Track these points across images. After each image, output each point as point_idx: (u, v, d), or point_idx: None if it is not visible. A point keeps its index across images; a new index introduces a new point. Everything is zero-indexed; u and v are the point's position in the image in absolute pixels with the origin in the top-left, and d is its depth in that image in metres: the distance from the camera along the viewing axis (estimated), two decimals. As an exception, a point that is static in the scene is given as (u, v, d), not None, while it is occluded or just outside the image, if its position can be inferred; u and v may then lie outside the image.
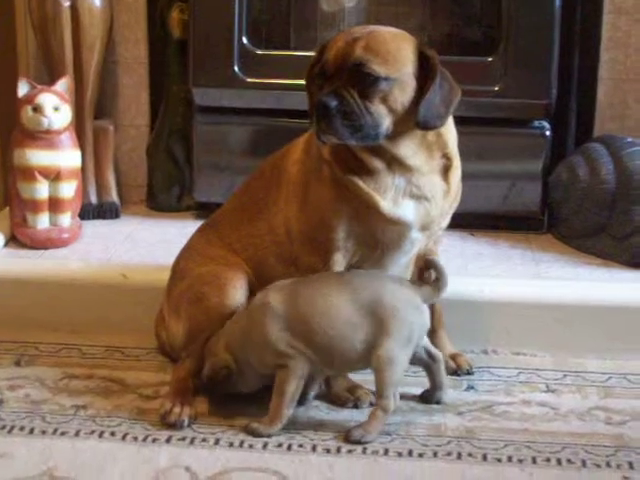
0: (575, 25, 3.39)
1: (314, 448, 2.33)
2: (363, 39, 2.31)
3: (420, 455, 2.31)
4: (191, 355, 2.52)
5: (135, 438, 2.37)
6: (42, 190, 3.17)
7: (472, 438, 2.37)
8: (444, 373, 2.51)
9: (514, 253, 3.19)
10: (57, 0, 3.33)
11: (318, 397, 2.53)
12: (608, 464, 2.27)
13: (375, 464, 2.27)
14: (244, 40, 3.31)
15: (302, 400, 2.48)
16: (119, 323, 2.89)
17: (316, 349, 2.35)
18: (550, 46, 3.22)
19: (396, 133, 2.36)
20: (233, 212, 2.67)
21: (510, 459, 2.29)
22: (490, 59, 3.24)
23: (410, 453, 2.31)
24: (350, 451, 2.31)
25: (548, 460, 2.28)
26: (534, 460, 2.28)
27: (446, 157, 2.46)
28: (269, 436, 2.36)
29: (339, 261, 2.45)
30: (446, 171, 2.47)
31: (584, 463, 2.27)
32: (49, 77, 3.37)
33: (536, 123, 3.28)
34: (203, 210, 3.41)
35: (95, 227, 3.39)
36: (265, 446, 2.33)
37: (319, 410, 2.50)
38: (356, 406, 2.50)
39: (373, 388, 2.40)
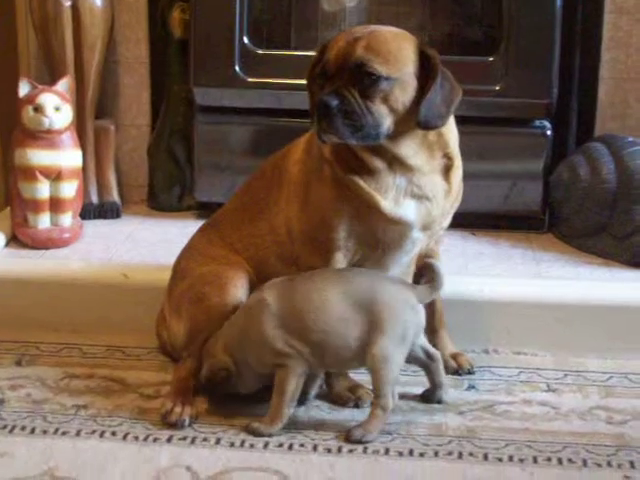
0: (576, 25, 3.39)
1: (315, 448, 2.33)
2: (364, 39, 2.31)
3: (421, 455, 2.31)
4: (192, 355, 2.52)
5: (136, 438, 2.37)
6: (43, 190, 3.17)
7: (473, 437, 2.37)
8: (443, 372, 2.51)
9: (515, 253, 3.19)
10: (58, 0, 3.33)
11: (319, 397, 2.53)
12: (609, 463, 2.27)
13: (376, 463, 2.27)
14: (245, 40, 3.31)
15: (303, 399, 2.48)
16: (120, 323, 2.89)
17: (312, 346, 2.35)
18: (551, 46, 3.22)
19: (397, 133, 2.36)
20: (234, 212, 2.67)
21: (511, 458, 2.29)
22: (491, 59, 3.24)
23: (411, 452, 2.31)
24: (351, 451, 2.31)
25: (549, 459, 2.28)
26: (535, 460, 2.28)
27: (447, 157, 2.46)
28: (270, 436, 2.36)
29: (340, 261, 2.45)
30: (447, 171, 2.47)
31: (585, 462, 2.27)
32: (50, 77, 3.38)
33: (537, 123, 3.28)
34: (204, 210, 3.41)
35: (96, 227, 3.39)
36: (266, 446, 2.33)
37: (320, 410, 2.50)
38: (357, 406, 2.50)
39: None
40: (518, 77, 3.22)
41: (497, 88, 3.23)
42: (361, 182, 2.40)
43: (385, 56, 2.30)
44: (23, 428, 2.41)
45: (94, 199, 3.49)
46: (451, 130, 2.47)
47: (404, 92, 2.33)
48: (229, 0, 3.29)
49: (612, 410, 2.51)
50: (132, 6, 3.51)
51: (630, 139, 3.18)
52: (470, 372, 2.68)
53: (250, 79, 3.32)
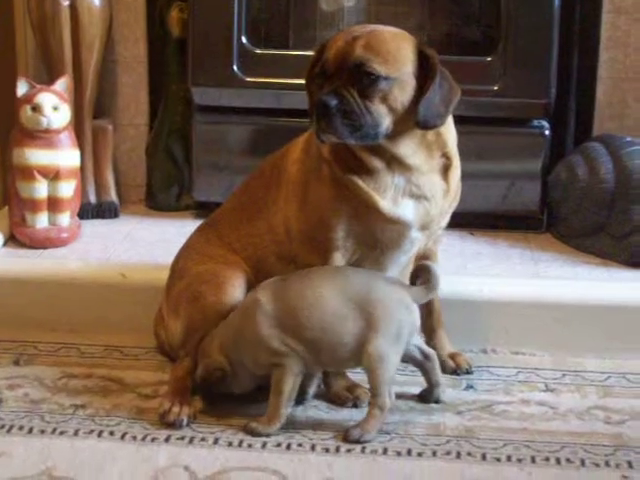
0: (574, 24, 3.39)
1: (313, 447, 2.33)
2: (363, 38, 2.31)
3: (419, 454, 2.31)
4: (189, 354, 2.52)
5: (134, 437, 2.37)
6: (41, 189, 3.17)
7: (471, 437, 2.37)
8: (439, 372, 2.51)
9: (513, 252, 3.19)
10: (56, -1, 3.34)
11: (317, 396, 2.53)
12: (607, 463, 2.27)
13: (374, 463, 2.27)
14: (243, 39, 3.31)
15: (301, 399, 2.48)
16: (118, 322, 2.89)
17: (306, 344, 2.35)
18: (549, 46, 3.22)
19: (396, 132, 2.36)
20: (232, 211, 2.67)
21: (509, 458, 2.29)
22: (489, 59, 3.24)
23: (409, 452, 2.31)
24: (349, 450, 2.31)
25: (547, 459, 2.28)
26: (533, 459, 2.28)
27: (446, 156, 2.46)
28: (268, 435, 2.36)
29: (338, 260, 2.46)
30: (446, 170, 2.47)
31: (583, 462, 2.27)
32: (48, 76, 3.37)
33: (535, 122, 3.29)
34: (202, 209, 3.41)
35: (94, 226, 3.39)
36: (264, 445, 2.33)
37: (318, 409, 2.50)
38: (355, 405, 2.50)
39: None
40: (516, 77, 3.22)
41: (495, 88, 3.23)
42: (359, 182, 2.40)
43: (384, 56, 2.30)
44: (21, 428, 2.41)
45: (92, 199, 3.49)
46: (449, 130, 2.47)
47: (403, 92, 2.33)
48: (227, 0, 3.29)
49: (610, 410, 2.51)
50: (130, 5, 3.51)
51: (628, 139, 3.18)
52: (468, 372, 2.68)
53: (248, 79, 3.32)
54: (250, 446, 2.33)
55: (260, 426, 2.37)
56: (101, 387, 2.61)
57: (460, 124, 2.51)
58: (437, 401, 2.52)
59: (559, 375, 2.69)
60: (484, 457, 2.29)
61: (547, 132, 3.27)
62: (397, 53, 2.33)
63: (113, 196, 3.52)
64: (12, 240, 3.21)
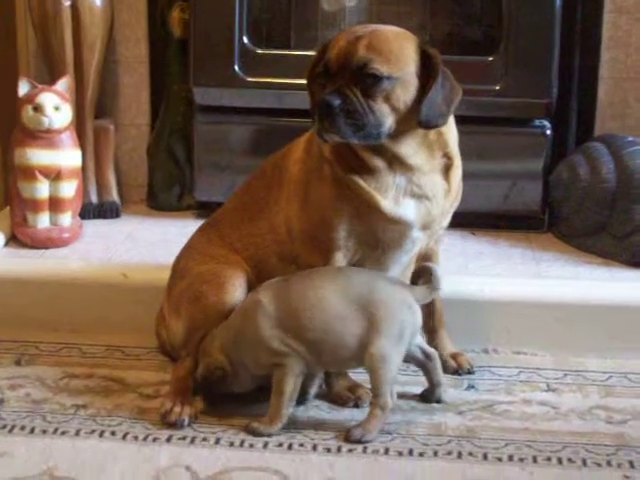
0: (576, 24, 3.39)
1: (315, 447, 2.33)
2: (365, 38, 2.32)
3: (421, 454, 2.30)
4: (190, 354, 2.52)
5: (135, 437, 2.37)
6: (42, 189, 3.17)
7: (473, 437, 2.37)
8: (441, 371, 2.51)
9: (515, 252, 3.18)
10: (57, -1, 3.34)
11: (319, 396, 2.53)
12: (609, 463, 2.27)
13: (375, 463, 2.27)
14: (245, 39, 3.31)
15: (302, 399, 2.48)
16: (119, 322, 2.89)
17: (308, 345, 2.35)
18: (551, 45, 3.22)
19: (398, 132, 2.36)
20: (234, 211, 2.67)
21: (511, 458, 2.29)
22: (491, 58, 3.24)
23: (411, 452, 2.31)
24: (351, 450, 2.31)
25: (549, 459, 2.28)
26: (535, 459, 2.28)
27: (447, 156, 2.46)
28: (269, 435, 2.36)
29: (340, 260, 2.46)
30: (447, 170, 2.47)
31: (585, 462, 2.27)
32: (49, 76, 3.38)
33: (537, 122, 3.28)
34: (204, 209, 3.41)
35: (96, 226, 3.39)
36: (265, 445, 2.33)
37: (320, 409, 2.50)
38: (357, 405, 2.50)
39: (372, 387, 2.41)
40: (518, 77, 3.22)
41: (497, 88, 3.22)
42: (361, 181, 2.40)
43: (387, 55, 2.30)
44: (22, 428, 2.41)
45: (93, 199, 3.49)
46: (451, 130, 2.47)
47: (406, 91, 2.33)
48: (229, 0, 3.29)
49: (612, 410, 2.51)
50: (132, 5, 3.51)
51: (630, 139, 3.18)
52: (470, 372, 2.68)
53: (250, 79, 3.32)
54: (252, 446, 2.33)
55: (262, 426, 2.37)
56: (102, 387, 2.61)
57: (461, 124, 2.51)
58: (439, 401, 2.52)
59: (561, 375, 2.69)
60: (485, 457, 2.29)
61: (548, 132, 3.27)
62: (399, 53, 2.33)
63: (115, 196, 3.52)
64: (14, 240, 3.21)
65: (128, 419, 2.45)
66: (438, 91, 2.33)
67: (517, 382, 2.65)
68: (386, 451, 2.31)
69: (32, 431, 2.40)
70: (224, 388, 2.45)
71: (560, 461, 2.28)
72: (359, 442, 2.33)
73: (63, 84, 3.19)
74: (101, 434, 2.38)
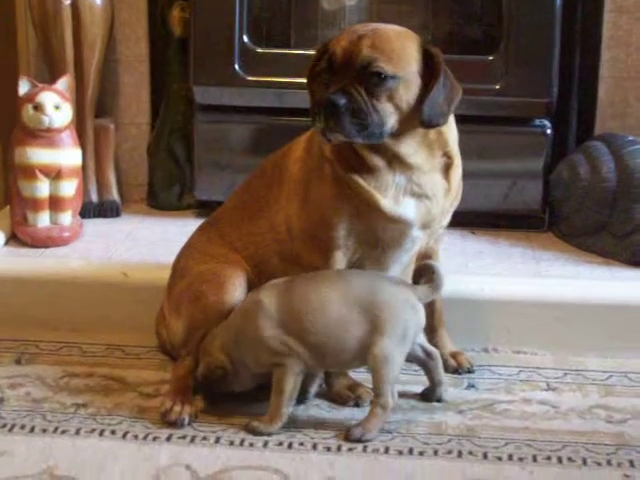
0: (576, 24, 3.39)
1: (315, 446, 2.33)
2: (369, 37, 2.31)
3: (421, 453, 2.30)
4: (191, 353, 2.52)
5: (135, 436, 2.37)
6: (43, 188, 3.17)
7: (473, 436, 2.37)
8: (442, 370, 2.51)
9: (515, 251, 3.18)
10: (58, -2, 3.34)
11: (319, 395, 2.53)
12: (609, 462, 2.27)
13: (376, 462, 2.27)
14: (245, 38, 3.31)
15: (303, 398, 2.48)
16: (120, 321, 2.89)
17: (310, 348, 2.35)
18: (551, 45, 3.22)
19: (399, 131, 2.36)
20: (234, 210, 2.67)
21: (511, 457, 2.29)
22: (491, 58, 3.24)
23: (411, 451, 2.31)
24: (351, 449, 2.31)
25: (549, 458, 2.28)
26: (535, 458, 2.28)
27: (447, 155, 2.47)
28: (269, 434, 2.36)
29: (339, 259, 2.46)
30: (447, 169, 2.47)
31: (585, 461, 2.27)
32: (50, 75, 3.38)
33: (537, 121, 3.28)
34: (204, 208, 3.41)
35: (96, 225, 3.39)
36: (266, 444, 2.33)
37: (320, 408, 2.50)
38: (357, 404, 2.50)
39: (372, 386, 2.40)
40: (518, 76, 3.21)
41: (497, 87, 3.22)
42: (361, 181, 2.40)
43: (390, 55, 2.31)
44: (22, 427, 2.41)
45: (94, 198, 3.49)
46: (451, 129, 2.47)
47: (408, 91, 2.33)
48: (229, -2, 3.30)
49: (612, 409, 2.51)
50: (132, 4, 3.51)
51: (630, 138, 3.18)
52: (470, 371, 2.68)
53: (250, 78, 3.31)
54: (252, 445, 2.33)
55: (262, 425, 2.37)
56: (102, 386, 2.61)
57: (462, 123, 2.51)
58: (439, 400, 2.52)
59: (561, 374, 2.69)
60: (485, 456, 2.29)
61: (549, 131, 3.27)
62: (403, 52, 2.33)
63: (115, 195, 3.52)
64: (14, 239, 3.21)
65: (128, 418, 2.45)
66: (440, 90, 2.34)
67: (517, 381, 2.65)
68: (386, 450, 2.31)
69: (32, 430, 2.40)
70: (225, 387, 2.45)
71: (560, 460, 2.28)
72: (359, 441, 2.33)
73: (63, 83, 3.19)
74: (101, 433, 2.38)
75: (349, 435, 2.34)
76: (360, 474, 2.23)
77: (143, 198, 3.63)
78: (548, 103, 3.25)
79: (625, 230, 3.06)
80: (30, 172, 3.15)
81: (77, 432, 2.39)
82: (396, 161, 2.40)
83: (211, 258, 2.61)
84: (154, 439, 2.36)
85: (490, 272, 3.01)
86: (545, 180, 3.29)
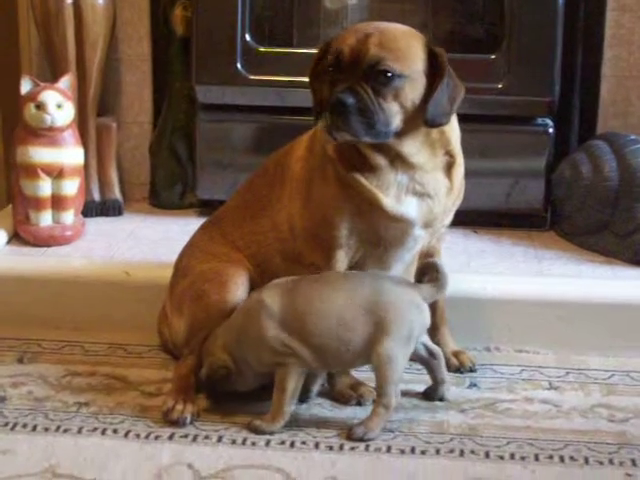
0: (578, 22, 3.39)
1: (317, 445, 2.33)
2: (375, 36, 2.31)
3: (423, 452, 2.30)
4: (193, 352, 2.52)
5: (138, 435, 2.37)
6: (45, 187, 3.17)
7: (475, 435, 2.37)
8: (444, 369, 2.51)
9: (517, 250, 3.18)
10: (60, -3, 3.34)
11: (321, 394, 2.53)
12: (611, 461, 2.27)
13: (378, 461, 2.27)
14: (247, 37, 3.31)
15: (305, 397, 2.48)
16: (122, 320, 2.89)
17: (312, 349, 2.35)
18: (553, 43, 3.22)
19: (403, 130, 2.36)
20: (236, 209, 2.67)
21: (513, 456, 2.29)
22: (493, 57, 3.24)
23: (413, 450, 2.31)
24: (353, 448, 2.31)
25: (551, 457, 2.28)
26: (537, 457, 2.28)
27: (449, 154, 2.47)
28: (272, 433, 2.36)
29: (341, 258, 2.46)
30: (449, 168, 2.47)
31: (587, 460, 2.27)
32: (52, 74, 3.38)
33: (539, 120, 3.28)
34: (206, 207, 3.41)
35: (98, 224, 3.39)
36: (268, 443, 2.33)
37: (322, 407, 2.50)
38: (359, 403, 2.49)
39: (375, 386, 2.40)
40: (520, 75, 3.21)
41: (499, 86, 3.22)
42: (363, 179, 2.40)
43: (397, 53, 2.31)
44: (25, 425, 2.41)
45: (96, 197, 3.49)
46: (453, 128, 2.47)
47: (414, 90, 2.33)
48: (231, -3, 3.30)
49: (614, 408, 2.51)
50: (134, 3, 3.51)
51: (632, 137, 3.18)
52: (472, 370, 2.68)
53: (252, 77, 3.32)
54: (254, 444, 2.33)
55: (264, 424, 2.37)
56: (105, 385, 2.61)
57: (464, 122, 2.51)
58: (441, 399, 2.52)
59: (563, 373, 2.69)
60: (487, 455, 2.29)
61: (551, 130, 3.27)
62: (409, 51, 2.33)
63: (117, 194, 3.52)
64: (16, 238, 3.21)
65: (130, 417, 2.45)
66: (444, 90, 2.34)
67: (519, 380, 2.65)
68: (388, 449, 2.31)
69: (34, 429, 2.40)
70: (228, 387, 2.45)
71: (562, 459, 2.28)
72: (361, 440, 2.33)
73: (65, 82, 3.19)
74: (103, 432, 2.38)
75: (351, 434, 2.34)
76: (362, 473, 2.23)
77: (145, 197, 3.63)
78: (550, 102, 3.25)
79: (627, 229, 3.06)
80: (32, 171, 3.15)
81: (79, 431, 2.39)
82: (398, 160, 2.40)
83: (213, 257, 2.61)
84: (156, 438, 2.36)
85: (492, 271, 3.01)
86: (547, 179, 3.29)
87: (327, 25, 3.46)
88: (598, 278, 2.97)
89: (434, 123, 2.36)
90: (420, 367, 2.54)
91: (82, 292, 2.93)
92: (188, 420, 2.41)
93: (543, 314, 2.80)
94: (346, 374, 2.54)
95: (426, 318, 2.41)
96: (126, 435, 2.37)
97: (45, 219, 3.19)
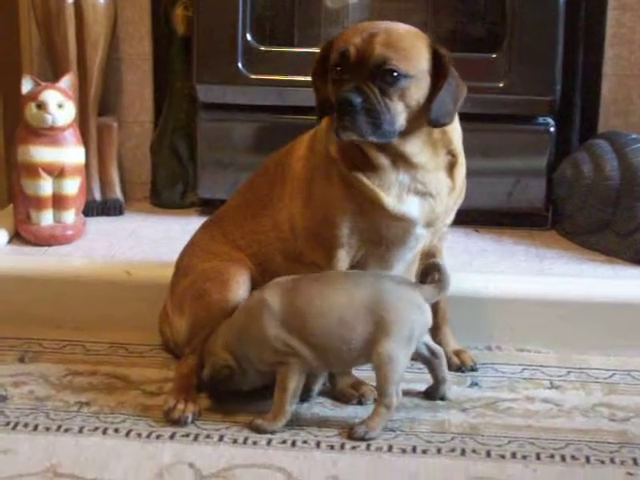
0: (579, 21, 3.39)
1: (318, 444, 2.33)
2: (381, 36, 2.31)
3: (424, 451, 2.30)
4: (194, 351, 2.52)
5: (139, 434, 2.37)
6: (46, 187, 3.17)
7: (476, 434, 2.37)
8: (446, 368, 2.51)
9: (518, 249, 3.18)
10: (61, -3, 3.34)
11: (322, 393, 2.53)
12: (612, 460, 2.27)
13: (379, 460, 2.27)
14: (248, 37, 3.31)
15: (306, 397, 2.48)
16: (123, 320, 2.89)
17: (312, 348, 2.35)
18: (554, 42, 3.22)
19: (406, 130, 2.36)
20: (237, 208, 2.67)
21: (514, 455, 2.29)
22: (494, 56, 3.24)
23: (414, 449, 2.31)
24: (354, 447, 2.31)
25: (552, 456, 2.28)
26: (538, 456, 2.28)
27: (451, 154, 2.47)
28: (273, 432, 2.36)
29: (343, 257, 2.46)
30: (451, 168, 2.47)
31: (588, 459, 2.27)
32: (53, 74, 3.38)
33: (540, 119, 3.28)
34: (207, 207, 3.41)
35: (99, 224, 3.39)
36: (269, 442, 2.33)
37: (323, 407, 2.49)
38: (360, 403, 2.49)
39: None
40: (521, 74, 3.21)
41: (500, 85, 3.22)
42: (364, 179, 2.40)
43: (402, 53, 2.31)
44: (26, 425, 2.41)
45: (97, 196, 3.49)
46: (455, 127, 2.47)
47: (419, 90, 2.33)
48: (232, -3, 3.30)
49: (615, 407, 2.51)
50: (135, 3, 3.51)
51: (633, 136, 3.18)
52: (473, 369, 2.68)
53: (253, 76, 3.32)
54: (255, 443, 2.33)
55: (265, 423, 2.37)
56: (106, 384, 2.61)
57: (465, 121, 2.51)
58: (443, 398, 2.52)
59: (564, 372, 2.69)
60: (489, 454, 2.29)
61: (552, 129, 3.27)
62: (414, 51, 2.33)
63: (118, 193, 3.52)
64: (17, 237, 3.22)
65: (131, 416, 2.45)
66: (448, 90, 2.34)
67: (520, 379, 2.65)
68: (389, 448, 2.31)
69: (35, 428, 2.40)
70: (231, 386, 2.45)
71: (563, 458, 2.27)
72: (362, 439, 2.33)
73: (66, 81, 3.19)
74: (104, 431, 2.38)
75: (352, 433, 2.34)
76: (363, 472, 2.23)
77: (146, 196, 3.63)
78: (551, 101, 3.25)
79: (628, 228, 3.06)
80: (33, 170, 3.15)
81: (80, 430, 2.39)
82: (400, 160, 2.40)
83: (214, 256, 2.61)
84: (157, 437, 2.36)
85: (494, 270, 3.01)
86: (548, 178, 3.29)
87: (328, 24, 3.46)
88: (599, 277, 2.96)
89: (438, 123, 2.36)
90: (421, 366, 2.54)
91: (83, 291, 2.93)
92: (189, 419, 2.41)
93: (544, 313, 2.80)
94: (347, 373, 2.53)
95: (427, 318, 2.41)
96: (127, 434, 2.37)
97: (46, 218, 3.19)
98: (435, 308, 2.61)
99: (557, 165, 3.29)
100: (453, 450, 2.31)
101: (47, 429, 2.39)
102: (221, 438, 2.35)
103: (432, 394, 2.53)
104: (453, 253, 2.97)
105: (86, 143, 3.33)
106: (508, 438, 2.36)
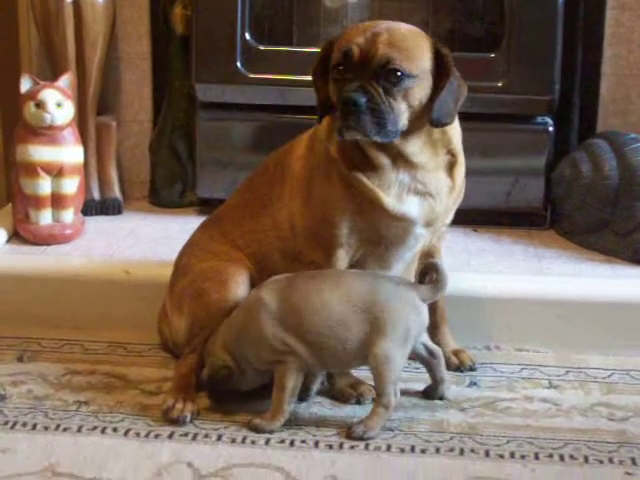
0: (578, 21, 3.39)
1: (317, 444, 2.33)
2: (384, 35, 2.31)
3: (422, 451, 2.30)
4: (193, 351, 2.52)
5: (137, 434, 2.37)
6: (45, 186, 3.17)
7: (475, 434, 2.37)
8: (444, 368, 2.51)
9: (517, 249, 3.18)
10: (60, -4, 3.34)
11: (321, 393, 2.53)
12: (611, 460, 2.27)
13: (377, 460, 2.27)
14: (247, 36, 3.31)
15: (305, 396, 2.48)
16: (122, 319, 2.89)
17: (308, 346, 2.35)
18: (553, 42, 3.22)
19: (408, 130, 2.36)
20: (236, 208, 2.67)
21: (513, 455, 2.29)
22: (493, 55, 3.24)
23: (413, 449, 2.31)
24: (352, 447, 2.31)
25: (551, 456, 2.28)
26: (537, 456, 2.28)
27: (451, 153, 2.47)
28: (271, 432, 2.36)
29: (342, 257, 2.46)
30: (451, 167, 2.47)
31: (586, 459, 2.27)
32: (52, 73, 3.38)
33: (539, 119, 3.28)
34: (206, 206, 3.41)
35: (98, 223, 3.39)
36: (267, 442, 2.33)
37: (322, 406, 2.50)
38: (359, 402, 2.49)
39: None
40: (520, 73, 3.22)
41: (499, 84, 3.23)
42: (364, 179, 2.40)
43: (406, 53, 2.31)
44: (24, 424, 2.41)
45: (96, 195, 3.49)
46: (454, 127, 2.47)
47: (421, 89, 2.34)
48: (231, -4, 3.29)
49: (613, 407, 2.51)
50: (134, 2, 3.51)
51: (632, 135, 3.18)
52: (472, 369, 2.68)
53: (252, 75, 3.32)
54: (254, 443, 2.33)
55: (263, 422, 2.37)
56: (105, 384, 2.61)
57: (464, 121, 2.51)
58: (441, 398, 2.52)
59: (562, 372, 2.69)
60: (487, 454, 2.29)
61: (551, 129, 3.27)
62: (417, 51, 2.34)
63: (117, 193, 3.52)
64: (16, 237, 3.21)
65: (130, 416, 2.45)
66: (449, 90, 2.34)
67: (519, 379, 2.65)
68: (388, 448, 2.31)
69: (34, 427, 2.40)
70: (230, 386, 2.45)
71: (562, 458, 2.28)
72: (361, 439, 2.33)
73: (65, 81, 3.19)
74: (103, 430, 2.38)
75: (351, 433, 2.34)
76: (362, 472, 2.23)
77: (145, 196, 3.63)
78: (550, 100, 3.25)
79: (627, 228, 3.06)
80: (32, 170, 3.15)
81: (79, 430, 2.39)
82: (400, 159, 2.40)
83: (213, 256, 2.61)
84: (156, 437, 2.36)
85: (492, 270, 3.01)
86: (547, 178, 3.29)
87: (327, 24, 3.46)
88: (598, 277, 2.97)
89: (439, 123, 2.36)
90: (419, 366, 2.55)
91: (82, 291, 2.93)
92: (188, 419, 2.41)
93: (543, 313, 2.80)
94: (346, 373, 2.53)
95: (424, 318, 2.41)
96: (126, 434, 2.37)
97: (45, 218, 3.19)
98: (433, 308, 2.62)
99: (556, 165, 3.30)
100: (452, 450, 2.31)
101: (46, 428, 2.40)
102: (219, 437, 2.35)
103: (430, 394, 2.53)
104: (452, 253, 2.98)
105: (85, 142, 3.33)
106: (507, 438, 2.36)
